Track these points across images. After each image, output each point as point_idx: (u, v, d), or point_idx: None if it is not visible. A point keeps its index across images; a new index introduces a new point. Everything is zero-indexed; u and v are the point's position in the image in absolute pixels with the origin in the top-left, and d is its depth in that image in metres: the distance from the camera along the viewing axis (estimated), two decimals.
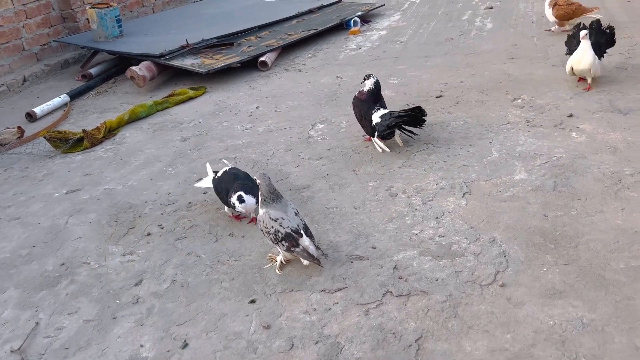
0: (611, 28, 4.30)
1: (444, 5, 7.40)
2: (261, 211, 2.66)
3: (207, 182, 3.30)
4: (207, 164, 3.44)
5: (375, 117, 3.66)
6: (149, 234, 3.16)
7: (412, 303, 2.38)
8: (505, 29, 6.01)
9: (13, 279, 2.93)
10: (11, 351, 2.42)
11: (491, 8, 6.88)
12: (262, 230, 2.66)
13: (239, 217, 3.16)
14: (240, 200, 2.90)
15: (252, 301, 2.53)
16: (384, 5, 7.59)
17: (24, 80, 6.28)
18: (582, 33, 4.05)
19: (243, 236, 3.03)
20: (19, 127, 4.72)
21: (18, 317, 2.63)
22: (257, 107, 4.85)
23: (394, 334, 2.24)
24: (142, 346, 2.36)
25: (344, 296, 2.48)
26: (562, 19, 5.39)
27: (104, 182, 3.84)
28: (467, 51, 5.53)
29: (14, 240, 3.28)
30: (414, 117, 3.62)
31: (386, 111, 3.67)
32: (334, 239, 2.88)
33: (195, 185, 3.45)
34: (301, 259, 2.62)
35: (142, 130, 4.67)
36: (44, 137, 4.40)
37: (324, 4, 7.47)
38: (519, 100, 4.22)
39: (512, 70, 4.83)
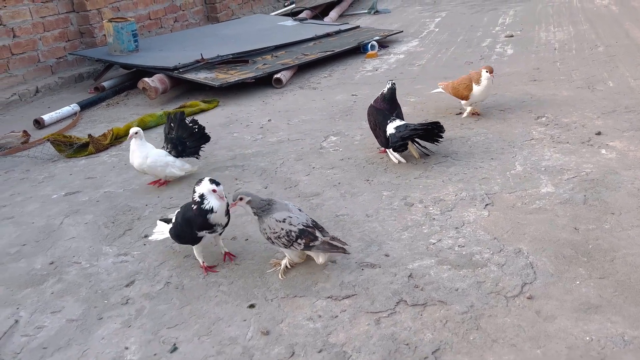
0: None
1: (463, 33, 7.31)
2: (264, 223, 2.41)
3: (163, 230, 2.73)
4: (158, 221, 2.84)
5: (390, 128, 3.48)
6: (146, 236, 2.95)
7: (429, 313, 2.13)
8: (526, 54, 5.87)
9: None
10: None
11: (511, 36, 6.77)
12: (269, 239, 2.41)
13: (210, 268, 2.60)
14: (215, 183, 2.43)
15: (251, 306, 2.30)
16: (402, 32, 7.52)
17: (37, 91, 6.23)
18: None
19: (246, 239, 2.82)
20: (24, 132, 4.61)
21: None
22: (269, 120, 4.70)
23: (407, 344, 1.99)
24: (127, 348, 2.13)
25: (353, 304, 2.23)
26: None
27: (105, 186, 3.67)
28: None
29: (4, 238, 3.10)
30: (431, 132, 3.43)
31: (402, 122, 3.49)
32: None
33: (151, 238, 2.81)
34: (319, 255, 2.38)
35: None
36: (49, 140, 4.27)
37: (342, 29, 7.43)
38: (543, 119, 4.03)
39: (534, 91, 4.65)
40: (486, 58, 5.95)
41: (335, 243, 2.35)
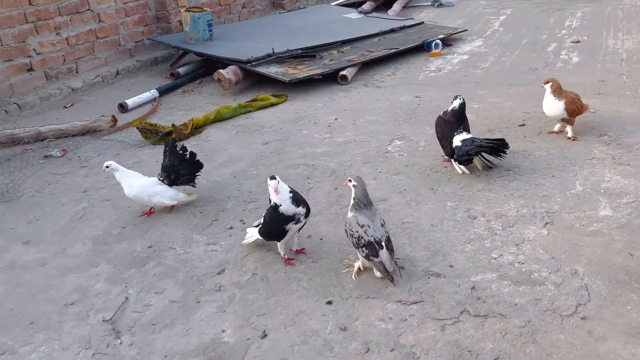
0: None
1: (528, 35, 7.32)
2: (350, 214, 2.73)
3: (253, 234, 3.04)
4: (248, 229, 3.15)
5: (457, 140, 3.69)
6: (231, 228, 3.31)
7: (490, 324, 2.39)
8: (592, 64, 5.89)
9: (105, 255, 3.14)
10: (103, 320, 2.60)
11: (578, 42, 6.75)
12: (346, 232, 2.74)
13: (290, 260, 2.94)
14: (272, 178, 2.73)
15: (329, 302, 2.61)
16: (466, 30, 7.59)
17: (117, 73, 6.68)
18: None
19: (321, 239, 3.13)
20: (112, 117, 5.03)
21: (109, 290, 2.82)
22: (335, 119, 4.97)
23: (470, 351, 2.26)
24: (223, 331, 2.48)
25: (420, 309, 2.51)
26: (572, 114, 4.11)
27: None
28: None
29: (106, 220, 3.51)
30: (496, 148, 3.63)
31: (469, 136, 3.69)
32: (410, 253, 2.93)
33: (243, 242, 3.10)
34: (375, 270, 2.68)
35: (226, 131, 4.88)
36: (137, 128, 4.67)
37: (407, 24, 7.56)
38: (606, 137, 4.14)
39: (598, 105, 4.73)
40: (551, 65, 6.01)
41: (388, 269, 2.62)
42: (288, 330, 2.46)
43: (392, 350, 2.30)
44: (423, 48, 6.88)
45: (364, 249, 2.65)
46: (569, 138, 4.11)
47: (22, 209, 3.71)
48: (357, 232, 2.65)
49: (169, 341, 2.44)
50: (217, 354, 2.35)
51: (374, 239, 2.64)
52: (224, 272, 2.89)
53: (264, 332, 2.46)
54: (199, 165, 3.62)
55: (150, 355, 2.37)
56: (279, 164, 4.13)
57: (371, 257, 2.64)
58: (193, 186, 3.62)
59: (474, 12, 9.01)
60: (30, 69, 5.93)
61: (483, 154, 3.70)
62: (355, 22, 7.79)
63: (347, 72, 5.95)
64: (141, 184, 3.43)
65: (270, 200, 2.80)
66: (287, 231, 2.81)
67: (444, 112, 3.86)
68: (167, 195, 3.46)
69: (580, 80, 5.45)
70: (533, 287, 2.60)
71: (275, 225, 2.81)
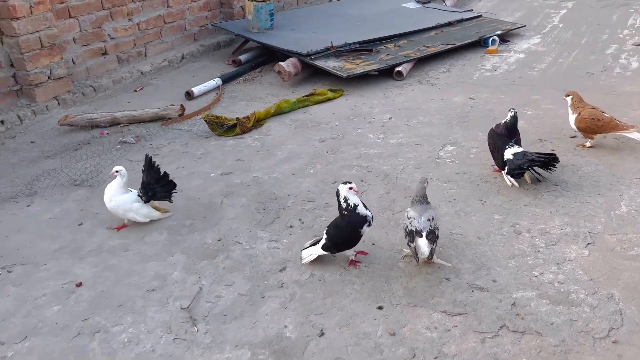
0: None
1: (588, 33, 7.23)
2: (409, 207, 3.16)
3: (312, 252, 3.22)
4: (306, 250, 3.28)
5: (508, 154, 3.86)
6: (291, 226, 3.62)
7: (526, 341, 2.63)
8: None
9: (179, 245, 3.51)
10: (181, 308, 2.98)
11: (639, 45, 6.66)
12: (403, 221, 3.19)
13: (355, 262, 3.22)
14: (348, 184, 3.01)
15: (380, 307, 2.90)
16: (524, 26, 7.55)
17: (182, 57, 7.04)
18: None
19: (373, 244, 3.40)
20: (181, 106, 5.39)
21: (185, 279, 3.20)
22: (389, 118, 5.18)
23: None
24: (286, 327, 2.81)
25: (463, 321, 2.77)
26: (585, 132, 4.28)
27: (253, 170, 4.37)
28: (607, 90, 5.47)
29: (179, 210, 3.88)
30: (547, 163, 3.78)
31: (520, 150, 3.84)
32: (456, 265, 3.17)
33: (303, 262, 3.26)
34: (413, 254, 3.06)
35: (285, 125, 5.17)
36: (204, 120, 5.02)
37: (464, 17, 7.58)
38: None
39: None
40: (609, 70, 5.99)
41: (417, 253, 3.02)
42: (343, 331, 2.77)
43: (435, 358, 2.58)
44: (479, 43, 6.93)
45: (406, 236, 3.09)
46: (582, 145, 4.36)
47: (102, 195, 4.12)
48: (404, 222, 3.12)
49: (238, 332, 2.79)
50: (281, 347, 2.69)
51: (415, 229, 3.02)
52: (285, 270, 3.22)
53: (322, 330, 2.77)
54: (172, 185, 3.75)
55: (222, 344, 2.73)
56: (334, 164, 4.40)
57: (409, 243, 3.06)
58: (170, 202, 3.78)
59: (534, 3, 8.90)
60: (105, 53, 6.35)
61: (534, 167, 3.86)
62: (413, 12, 7.86)
63: (403, 69, 6.10)
64: (121, 199, 3.62)
65: (342, 209, 3.05)
66: (362, 236, 3.11)
67: (497, 125, 4.02)
68: (141, 212, 3.66)
69: (637, 89, 5.44)
70: (570, 307, 2.81)
71: (350, 232, 3.06)
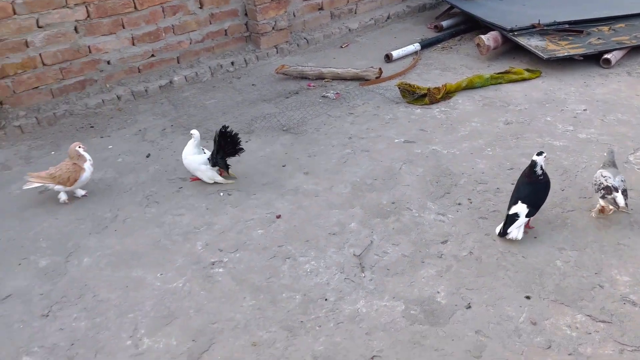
0: None
1: None
2: (598, 171, 3.67)
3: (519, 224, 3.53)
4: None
5: None
6: (459, 204, 3.97)
7: None
8: None
9: (359, 200, 4.09)
10: (353, 255, 3.58)
11: None
12: (593, 185, 3.67)
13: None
14: None
15: (527, 297, 3.17)
16: None
17: (388, 17, 7.44)
18: None
19: (535, 237, 3.61)
20: (379, 69, 5.87)
21: (360, 231, 3.78)
22: (584, 110, 5.06)
23: None
24: (438, 292, 3.26)
25: (606, 329, 2.94)
26: None
27: (433, 142, 4.73)
28: None
29: (363, 169, 4.44)
30: None
31: None
32: (615, 275, 3.27)
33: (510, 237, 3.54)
34: (611, 205, 3.55)
35: (473, 101, 5.37)
36: (397, 87, 5.44)
37: None
38: None
39: None
40: None
41: (619, 203, 3.48)
42: (488, 309, 3.12)
43: (570, 354, 2.82)
44: None
45: (601, 191, 3.55)
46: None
47: (304, 143, 4.86)
48: (598, 179, 3.58)
49: (397, 286, 3.31)
50: (431, 308, 3.15)
51: (611, 185, 3.52)
52: (446, 243, 3.62)
53: (469, 304, 3.16)
54: (235, 151, 4.25)
55: (382, 293, 3.27)
56: (515, 149, 4.55)
57: (606, 195, 3.53)
58: (227, 173, 4.32)
59: None
60: (321, 8, 7.03)
61: None
62: None
63: (612, 56, 5.78)
64: (191, 158, 4.22)
65: (537, 176, 3.52)
66: None
67: None
68: (206, 174, 4.25)
69: None
70: None
71: (547, 191, 3.59)
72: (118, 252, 3.67)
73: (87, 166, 4.08)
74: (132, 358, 2.92)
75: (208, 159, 4.26)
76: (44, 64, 5.29)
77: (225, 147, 4.23)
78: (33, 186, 4.04)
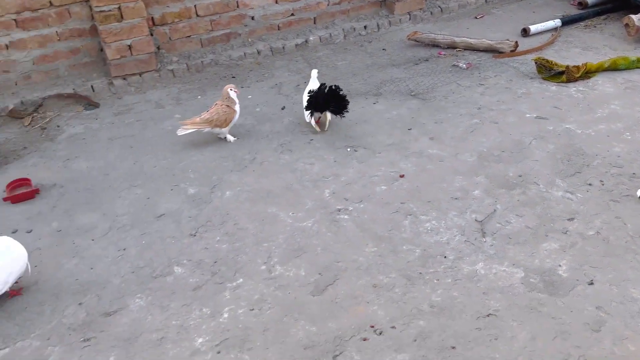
0: None
1: None
2: None
3: None
4: None
5: None
6: (589, 184, 3.88)
7: None
8: None
9: (485, 170, 4.12)
10: (475, 220, 3.66)
11: None
12: None
13: None
14: None
15: None
16: None
17: None
18: None
19: None
20: (515, 42, 5.73)
21: (483, 199, 3.84)
22: None
23: None
24: (559, 266, 3.27)
25: None
26: None
27: (568, 121, 4.60)
28: None
29: (490, 140, 4.45)
30: None
31: None
32: None
33: None
34: None
35: (615, 83, 5.11)
36: (534, 61, 5.30)
37: None
38: None
39: None
40: None
41: None
42: (612, 288, 3.09)
43: None
44: None
45: None
46: None
47: (432, 109, 4.93)
48: None
49: (518, 255, 3.37)
50: (551, 280, 3.18)
51: None
52: (572, 220, 3.59)
53: (592, 280, 3.15)
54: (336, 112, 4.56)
55: (502, 259, 3.35)
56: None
57: None
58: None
59: None
60: None
61: None
62: None
63: None
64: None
65: None
66: None
67: None
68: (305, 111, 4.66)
69: None
70: None
71: None
72: (255, 190, 4.04)
73: (237, 108, 4.47)
74: (266, 281, 3.27)
75: (309, 93, 4.54)
76: (197, 15, 5.77)
77: (331, 103, 4.51)
78: (188, 132, 4.45)
